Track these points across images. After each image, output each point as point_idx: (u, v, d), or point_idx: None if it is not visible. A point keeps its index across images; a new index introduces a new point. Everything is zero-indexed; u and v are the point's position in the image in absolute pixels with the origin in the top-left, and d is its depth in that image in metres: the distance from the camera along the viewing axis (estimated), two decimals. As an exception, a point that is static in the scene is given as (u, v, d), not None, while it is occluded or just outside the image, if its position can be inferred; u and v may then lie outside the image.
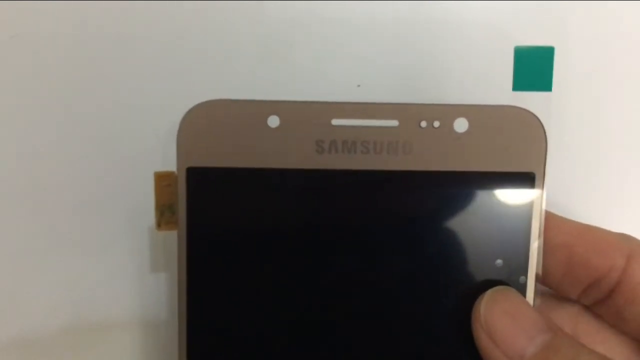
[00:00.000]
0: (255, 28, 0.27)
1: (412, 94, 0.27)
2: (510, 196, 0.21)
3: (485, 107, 0.21)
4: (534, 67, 0.20)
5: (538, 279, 0.21)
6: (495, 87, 0.21)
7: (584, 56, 0.26)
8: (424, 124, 0.21)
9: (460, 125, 0.21)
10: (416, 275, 0.21)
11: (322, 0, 0.27)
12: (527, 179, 0.21)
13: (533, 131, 0.21)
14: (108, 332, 0.27)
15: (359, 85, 0.27)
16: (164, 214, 0.21)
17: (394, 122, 0.21)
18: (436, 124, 0.21)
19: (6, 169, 0.27)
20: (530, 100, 0.20)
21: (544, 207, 0.21)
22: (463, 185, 0.21)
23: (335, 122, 0.21)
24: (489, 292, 0.21)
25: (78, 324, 0.27)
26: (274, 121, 0.21)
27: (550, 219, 0.22)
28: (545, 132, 0.21)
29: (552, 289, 0.23)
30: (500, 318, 0.20)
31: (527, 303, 0.21)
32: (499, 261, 0.21)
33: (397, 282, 0.21)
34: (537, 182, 0.21)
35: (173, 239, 0.21)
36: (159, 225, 0.22)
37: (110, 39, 0.27)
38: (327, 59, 0.27)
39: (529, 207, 0.21)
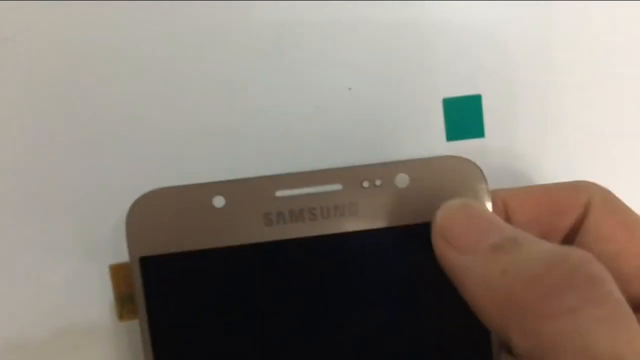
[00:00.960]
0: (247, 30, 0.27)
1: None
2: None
3: (423, 160, 0.21)
4: (464, 116, 0.21)
5: None
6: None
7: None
8: (366, 184, 0.21)
9: (402, 180, 0.21)
10: (379, 328, 0.21)
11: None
12: None
13: (472, 177, 0.21)
14: (96, 336, 0.27)
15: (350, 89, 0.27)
16: (124, 305, 0.22)
17: (338, 186, 0.21)
18: (378, 182, 0.21)
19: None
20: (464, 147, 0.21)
21: None
22: (411, 237, 0.21)
23: (279, 193, 0.21)
24: (444, 204, 0.20)
25: (67, 328, 0.27)
26: (219, 201, 0.21)
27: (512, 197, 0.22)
28: (484, 176, 0.21)
29: None
30: (455, 219, 0.19)
31: (486, 207, 0.20)
32: (458, 314, 0.21)
33: (363, 339, 0.22)
34: None
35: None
36: (120, 316, 0.22)
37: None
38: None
39: None
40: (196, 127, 0.27)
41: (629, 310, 0.16)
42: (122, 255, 0.21)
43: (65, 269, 0.26)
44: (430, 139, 0.22)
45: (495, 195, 0.21)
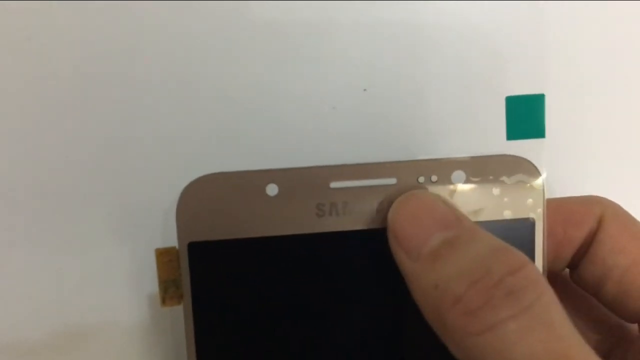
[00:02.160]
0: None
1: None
2: (513, 243, 0.21)
3: (481, 158, 0.21)
4: (526, 116, 0.20)
5: None
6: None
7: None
8: (422, 179, 0.21)
9: (458, 177, 0.21)
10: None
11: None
12: (527, 224, 0.21)
13: (530, 178, 0.21)
14: (97, 334, 0.27)
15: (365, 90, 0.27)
16: (168, 290, 0.21)
17: (392, 180, 0.21)
18: (434, 178, 0.21)
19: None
20: (522, 147, 0.21)
21: (543, 251, 0.21)
22: None
23: (333, 184, 0.21)
24: (399, 198, 0.20)
25: (66, 325, 0.27)
26: (272, 189, 0.20)
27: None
28: (542, 178, 0.21)
29: None
30: (403, 218, 0.20)
31: (437, 200, 0.20)
32: None
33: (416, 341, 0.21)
34: (536, 226, 0.21)
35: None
36: (163, 301, 0.21)
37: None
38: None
39: (531, 250, 0.21)
40: (212, 127, 0.27)
41: (550, 314, 0.17)
42: (170, 240, 0.21)
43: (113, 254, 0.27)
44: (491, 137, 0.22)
45: None
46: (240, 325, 0.21)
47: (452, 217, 0.20)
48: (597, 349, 0.20)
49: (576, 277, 0.24)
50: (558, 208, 0.23)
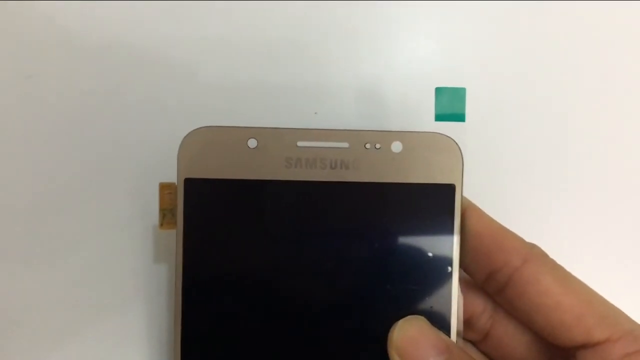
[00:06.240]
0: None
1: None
2: (436, 203, 0.27)
3: (416, 133, 0.27)
4: (450, 103, 0.26)
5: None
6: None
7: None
8: (368, 145, 0.27)
9: (397, 147, 0.27)
10: (367, 262, 0.27)
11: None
12: (449, 189, 0.27)
13: (452, 152, 0.27)
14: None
15: (316, 113, 0.33)
16: (166, 216, 0.27)
17: (345, 144, 0.27)
18: (378, 145, 0.27)
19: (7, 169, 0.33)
20: (447, 127, 0.27)
21: (459, 211, 0.26)
22: (399, 193, 0.27)
23: (300, 143, 0.27)
24: (400, 322, 0.26)
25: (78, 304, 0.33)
26: (252, 143, 0.26)
27: (473, 209, 0.27)
28: (461, 152, 0.27)
29: (465, 271, 0.27)
30: (407, 342, 0.25)
31: (431, 329, 0.26)
32: (430, 254, 0.27)
33: (355, 268, 0.27)
34: (456, 191, 0.27)
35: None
36: (161, 225, 0.27)
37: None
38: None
39: (451, 211, 0.26)
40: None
41: None
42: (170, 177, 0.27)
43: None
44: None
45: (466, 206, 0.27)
46: (221, 245, 0.26)
47: (444, 345, 0.25)
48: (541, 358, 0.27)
49: (499, 301, 0.27)
50: (498, 231, 0.26)
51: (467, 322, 0.28)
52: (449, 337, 0.26)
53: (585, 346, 0.24)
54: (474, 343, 0.29)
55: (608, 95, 0.33)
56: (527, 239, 0.26)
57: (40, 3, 0.32)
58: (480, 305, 0.28)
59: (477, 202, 0.27)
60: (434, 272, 0.27)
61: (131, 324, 0.33)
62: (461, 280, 0.27)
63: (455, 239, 0.27)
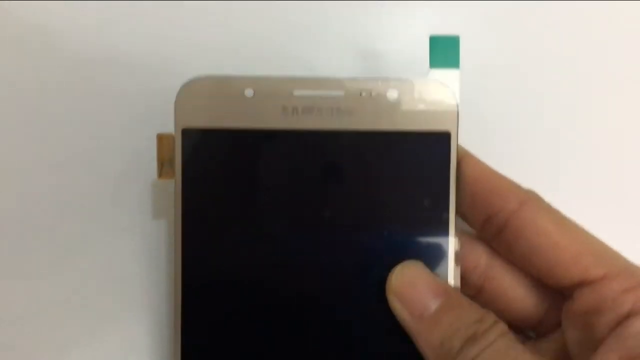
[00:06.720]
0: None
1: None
2: (432, 150, 0.27)
3: (410, 80, 0.27)
4: (444, 51, 0.26)
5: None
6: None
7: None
8: (364, 93, 0.27)
9: (392, 94, 0.27)
10: (364, 210, 0.27)
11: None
12: (444, 137, 0.27)
13: (447, 99, 0.27)
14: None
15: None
16: (164, 167, 0.27)
17: (341, 93, 0.27)
18: (373, 93, 0.27)
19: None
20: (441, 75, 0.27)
21: (455, 158, 0.27)
22: (395, 140, 0.27)
23: (296, 92, 0.27)
24: (398, 267, 0.26)
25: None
26: (249, 92, 0.27)
27: (469, 157, 0.27)
28: (457, 100, 0.27)
29: (462, 218, 0.28)
30: (405, 286, 0.26)
31: (429, 273, 0.26)
32: (427, 201, 0.27)
33: (352, 216, 0.27)
34: (451, 138, 0.27)
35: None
36: (159, 175, 0.27)
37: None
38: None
39: (447, 158, 0.26)
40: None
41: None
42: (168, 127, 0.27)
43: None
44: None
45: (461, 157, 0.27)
46: (218, 194, 0.27)
47: (442, 288, 0.25)
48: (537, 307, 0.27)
49: (496, 246, 0.28)
50: (493, 175, 0.27)
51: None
52: (448, 282, 0.26)
53: (582, 284, 0.25)
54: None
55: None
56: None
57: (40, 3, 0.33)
58: (473, 261, 0.28)
59: (472, 151, 0.27)
60: (430, 218, 0.27)
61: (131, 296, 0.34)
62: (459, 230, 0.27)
63: (452, 185, 0.27)
